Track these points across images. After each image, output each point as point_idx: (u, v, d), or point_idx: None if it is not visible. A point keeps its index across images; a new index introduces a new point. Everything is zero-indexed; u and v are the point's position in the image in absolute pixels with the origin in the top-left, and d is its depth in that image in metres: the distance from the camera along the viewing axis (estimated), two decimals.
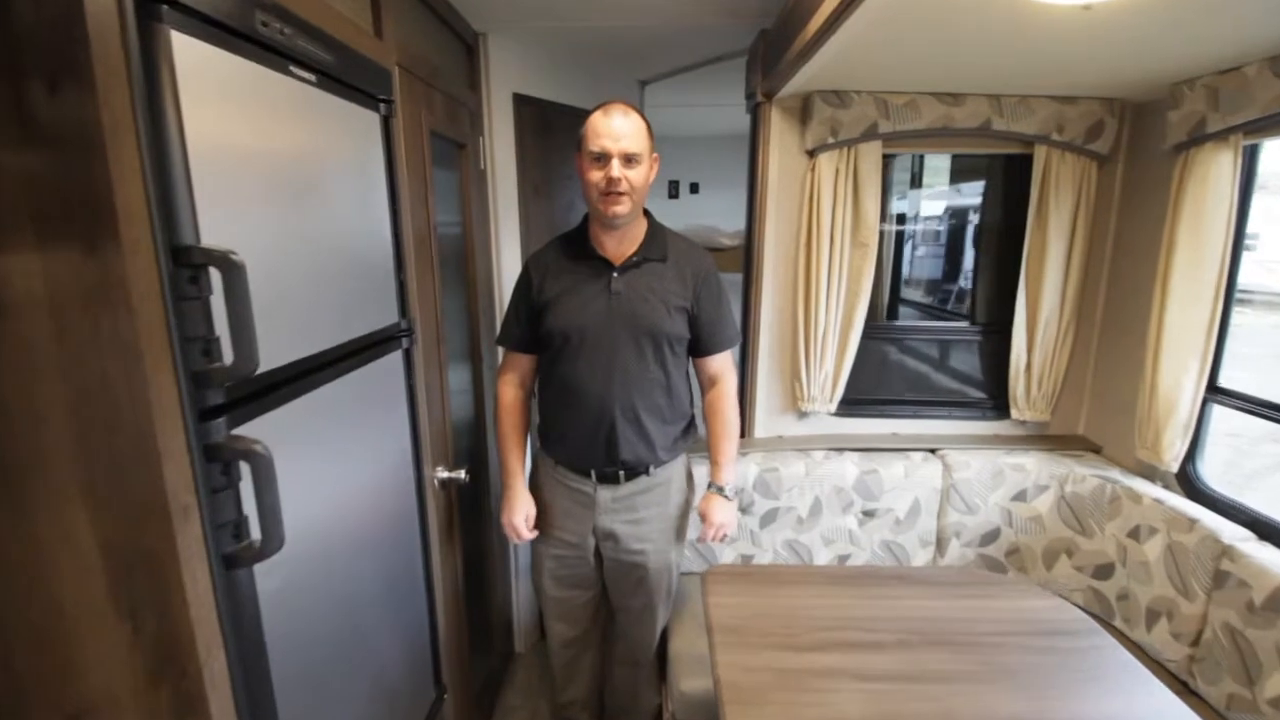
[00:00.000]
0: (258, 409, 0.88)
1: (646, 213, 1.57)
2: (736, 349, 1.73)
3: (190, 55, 0.75)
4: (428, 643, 1.54)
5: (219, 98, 0.81)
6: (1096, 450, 2.13)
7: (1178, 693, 1.23)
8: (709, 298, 1.56)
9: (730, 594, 1.40)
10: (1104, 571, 1.88)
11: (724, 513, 1.65)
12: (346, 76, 1.11)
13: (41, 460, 0.72)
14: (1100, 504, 1.90)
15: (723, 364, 1.64)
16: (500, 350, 1.71)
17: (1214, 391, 1.75)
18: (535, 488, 1.70)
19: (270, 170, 0.91)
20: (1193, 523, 1.64)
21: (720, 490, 1.65)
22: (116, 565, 0.76)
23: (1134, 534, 1.79)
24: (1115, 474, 1.93)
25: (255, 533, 0.85)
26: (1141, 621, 1.74)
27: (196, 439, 0.78)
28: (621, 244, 1.52)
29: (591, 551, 1.66)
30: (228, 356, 0.79)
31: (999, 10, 1.17)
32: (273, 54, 0.91)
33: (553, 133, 2.39)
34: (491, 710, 2.17)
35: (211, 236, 0.78)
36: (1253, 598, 1.43)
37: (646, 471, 1.58)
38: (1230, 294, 1.69)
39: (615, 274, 1.50)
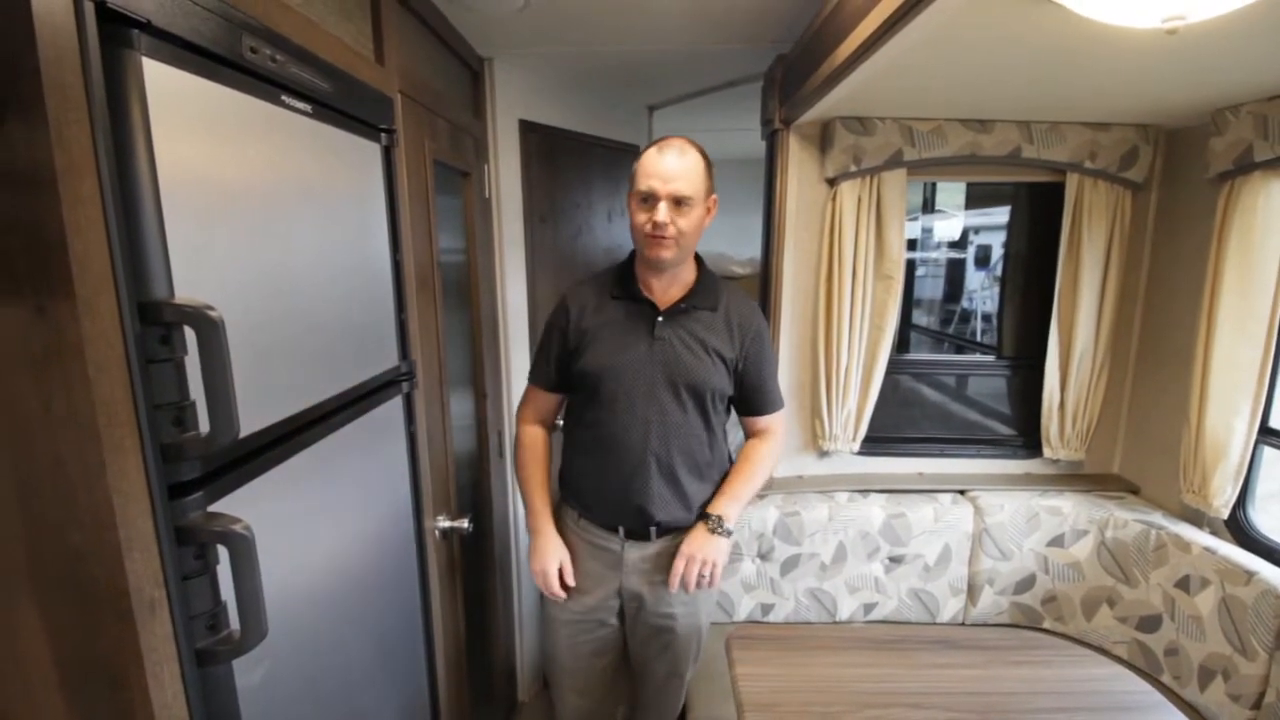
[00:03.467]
0: (239, 479, 0.78)
1: (698, 258, 1.45)
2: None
3: (166, 86, 0.66)
4: (428, 708, 1.42)
5: (200, 132, 0.72)
6: (1134, 491, 2.01)
7: None
8: (757, 356, 1.43)
9: (759, 662, 1.29)
10: (1150, 624, 1.76)
11: (704, 545, 1.36)
12: (345, 105, 1.02)
13: None
14: (1144, 551, 1.78)
15: (772, 422, 1.50)
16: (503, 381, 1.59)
17: (1267, 434, 1.64)
18: None
19: (258, 211, 0.81)
20: (1250, 575, 1.52)
21: (708, 518, 1.39)
22: (71, 670, 0.66)
23: (1183, 584, 1.67)
24: (1159, 518, 1.81)
25: (234, 621, 0.75)
26: (1194, 680, 1.62)
27: (166, 521, 0.68)
28: (670, 287, 1.40)
29: (614, 614, 1.52)
30: (203, 424, 0.69)
31: (1058, 33, 1.08)
32: (263, 83, 0.82)
33: (559, 159, 2.31)
34: None
35: (187, 289, 0.68)
36: None
37: (680, 530, 1.45)
38: None
39: (660, 318, 1.38)
